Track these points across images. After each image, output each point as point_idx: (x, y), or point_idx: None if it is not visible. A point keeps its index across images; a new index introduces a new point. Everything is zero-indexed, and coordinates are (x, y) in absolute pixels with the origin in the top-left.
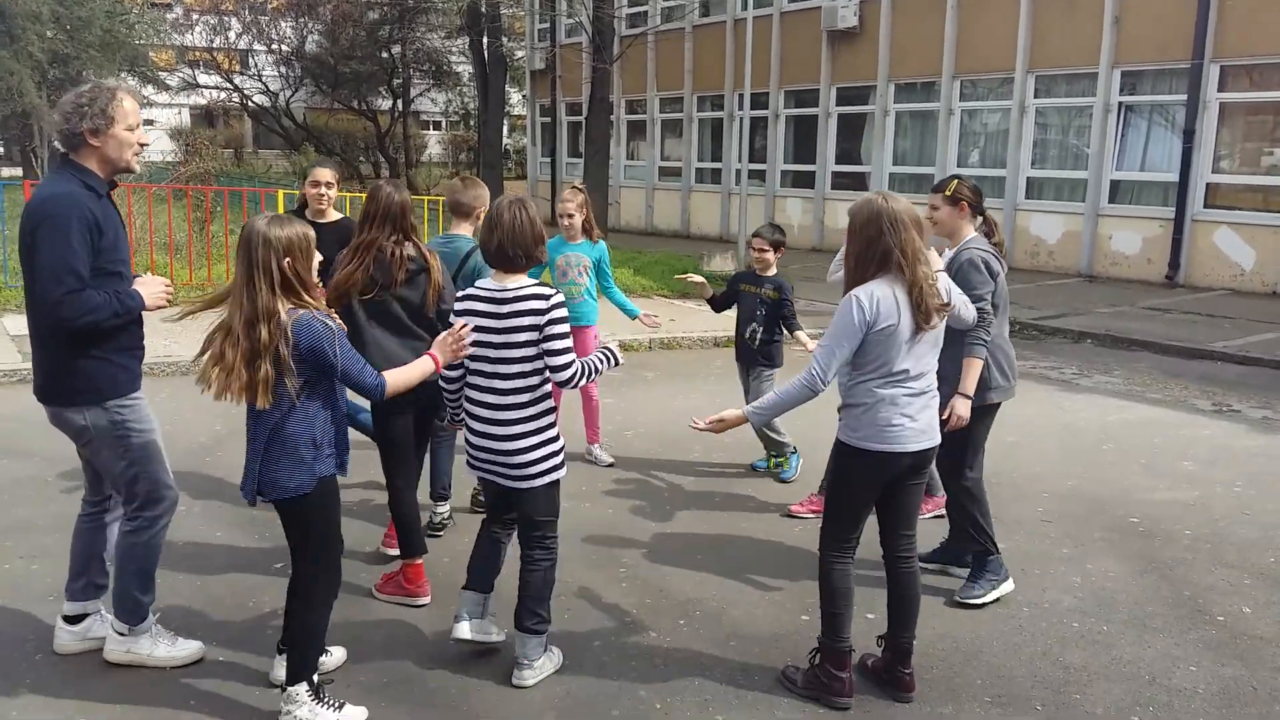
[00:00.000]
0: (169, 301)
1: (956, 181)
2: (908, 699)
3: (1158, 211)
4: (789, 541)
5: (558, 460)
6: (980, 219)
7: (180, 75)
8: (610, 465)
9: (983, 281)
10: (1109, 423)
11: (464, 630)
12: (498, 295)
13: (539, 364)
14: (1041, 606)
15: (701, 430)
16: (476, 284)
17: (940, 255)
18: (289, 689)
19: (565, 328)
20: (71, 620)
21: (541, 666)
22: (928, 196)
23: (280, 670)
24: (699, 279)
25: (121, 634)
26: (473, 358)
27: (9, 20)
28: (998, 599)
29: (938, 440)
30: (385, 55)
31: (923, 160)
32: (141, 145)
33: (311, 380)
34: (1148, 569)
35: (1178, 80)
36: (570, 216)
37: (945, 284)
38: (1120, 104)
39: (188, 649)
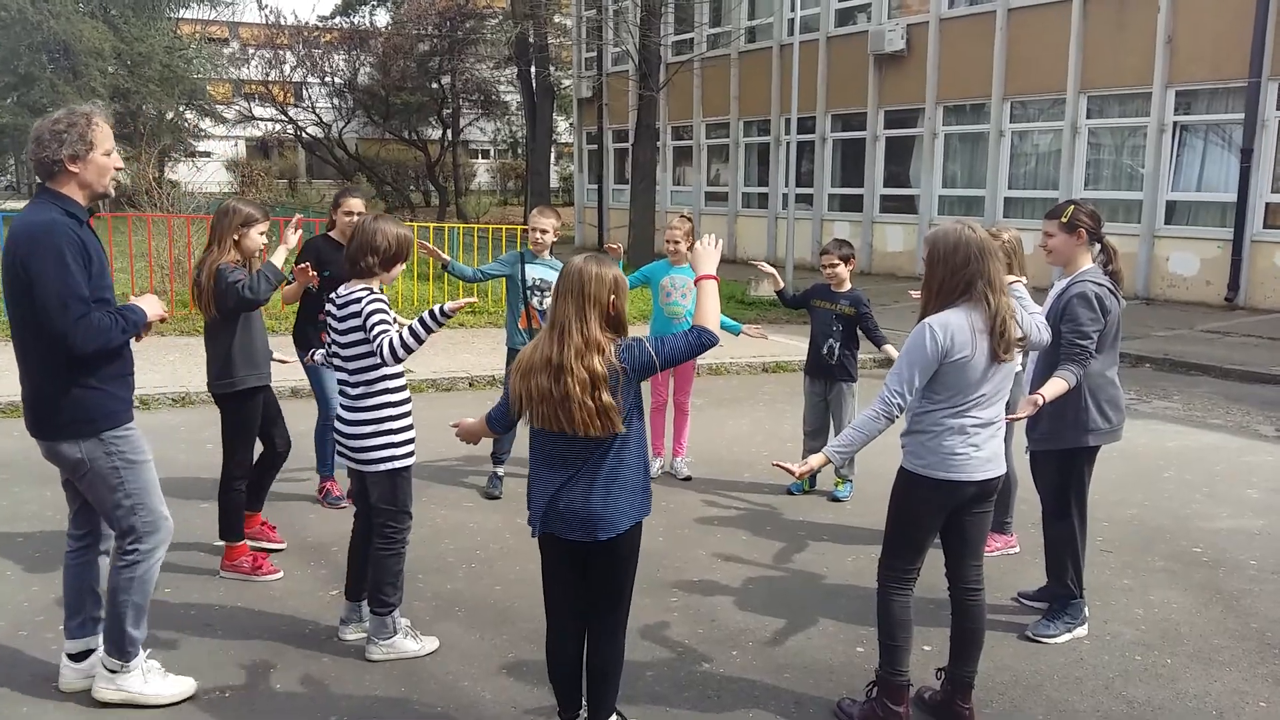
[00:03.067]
0: (165, 317)
1: (1073, 207)
2: None
3: (1216, 232)
4: (842, 570)
5: (397, 451)
6: (1098, 246)
7: (237, 108)
8: (687, 479)
9: (1092, 319)
10: (1168, 449)
11: (346, 633)
12: (338, 300)
13: (371, 360)
14: (1103, 639)
15: (789, 472)
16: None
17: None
18: None
19: (377, 316)
20: (75, 658)
21: (395, 645)
22: (1041, 223)
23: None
24: (771, 269)
25: (112, 670)
26: (334, 353)
27: (73, 57)
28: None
29: (1003, 470)
30: (435, 86)
31: (973, 183)
32: (116, 169)
33: (634, 407)
34: (1212, 600)
35: (1234, 99)
36: (677, 243)
37: (1020, 313)
38: (1175, 123)
39: (180, 685)
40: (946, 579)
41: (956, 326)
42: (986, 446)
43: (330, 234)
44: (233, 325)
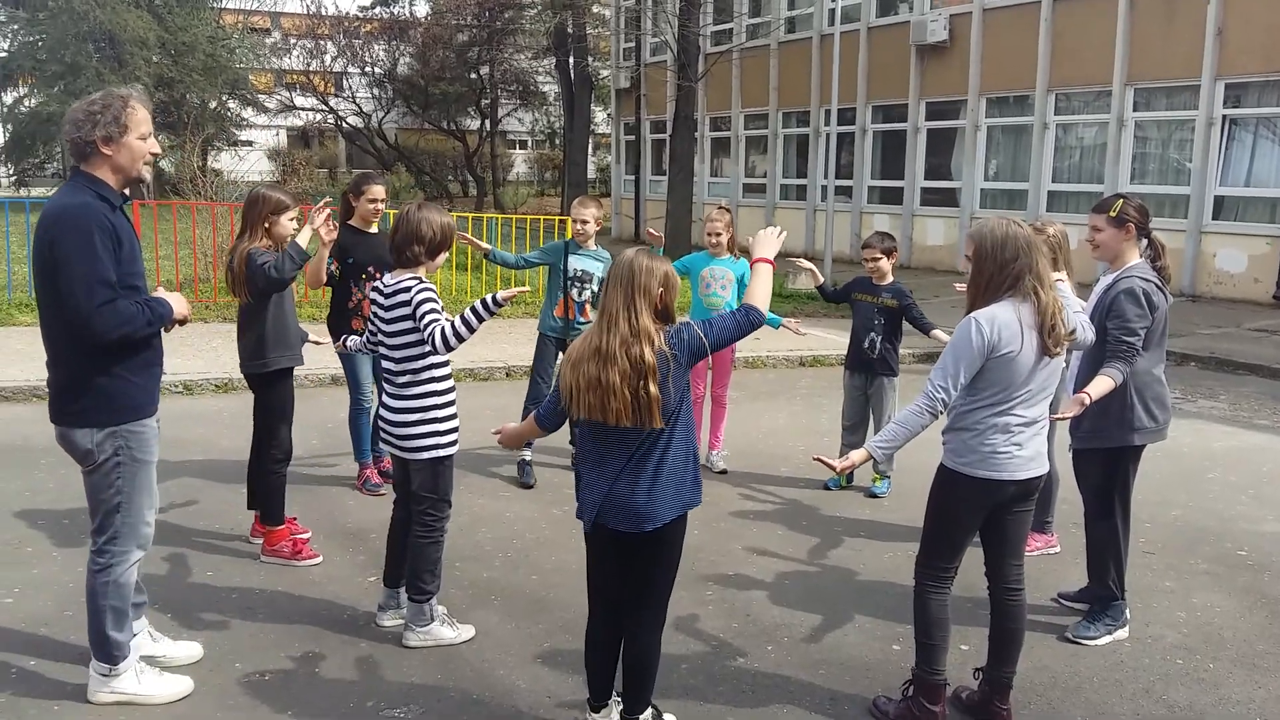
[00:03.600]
0: (188, 319)
1: (1122, 201)
2: None
3: (1264, 229)
4: (879, 567)
5: (441, 440)
6: (1145, 242)
7: (278, 98)
8: (723, 472)
9: (1139, 315)
10: (1214, 450)
11: (383, 619)
12: (384, 289)
13: (418, 349)
14: (1144, 641)
15: (829, 466)
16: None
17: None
18: (639, 718)
19: (428, 305)
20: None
21: (432, 633)
22: (1087, 217)
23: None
24: (809, 265)
25: (103, 674)
26: (378, 341)
27: (118, 46)
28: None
29: (1046, 469)
30: (474, 76)
31: (1015, 176)
32: (153, 155)
33: (683, 395)
34: (1257, 604)
35: None
36: (718, 234)
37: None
38: (1224, 117)
39: (178, 685)
40: (986, 578)
41: (1004, 321)
42: (1029, 445)
43: (350, 221)
44: (265, 308)
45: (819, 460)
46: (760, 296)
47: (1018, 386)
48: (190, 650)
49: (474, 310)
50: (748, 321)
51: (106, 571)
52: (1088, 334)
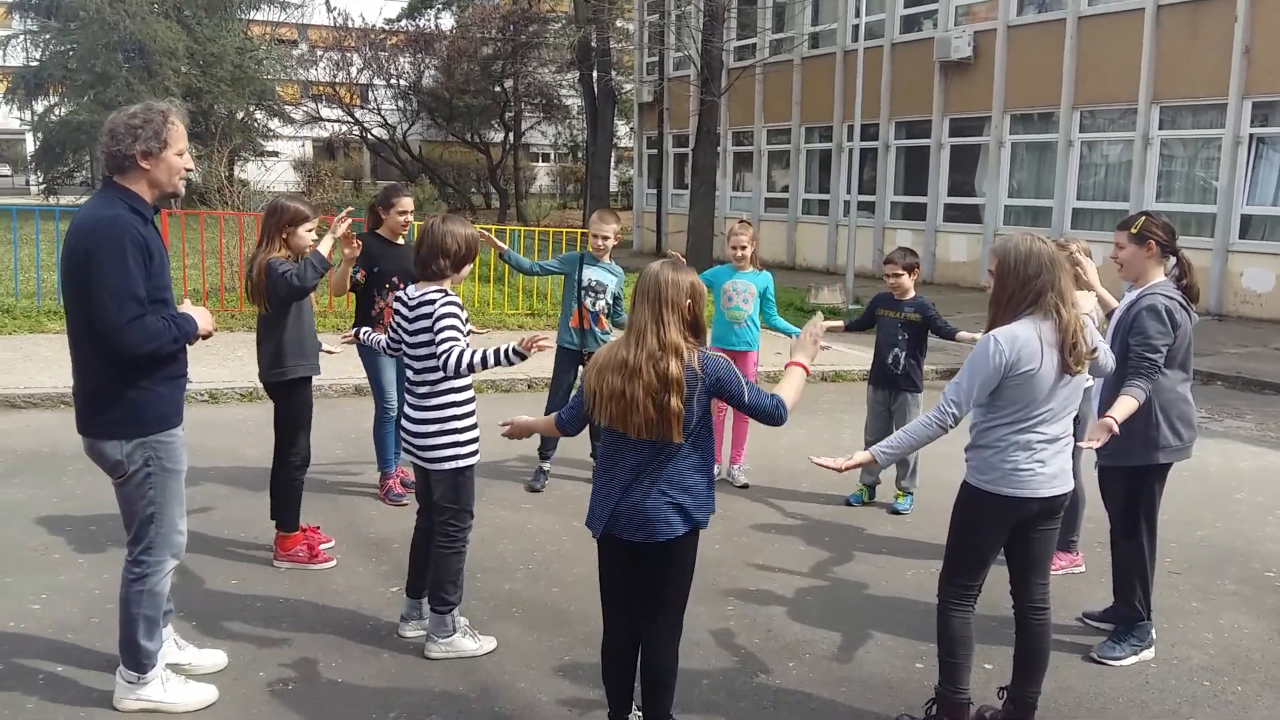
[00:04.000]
0: (211, 333)
1: (1145, 218)
2: None
3: None
4: (902, 584)
5: (462, 450)
6: (1172, 260)
7: (304, 109)
8: (744, 487)
9: (1161, 332)
10: (1240, 470)
11: (405, 630)
12: (409, 301)
13: (437, 362)
14: (1170, 663)
15: (827, 467)
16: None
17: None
18: None
19: (448, 321)
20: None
21: (454, 644)
22: (1113, 234)
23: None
24: (830, 322)
25: (130, 682)
26: (397, 349)
27: (147, 56)
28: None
29: (1070, 486)
30: (498, 89)
31: (1040, 193)
32: (187, 170)
33: (705, 413)
34: None
35: None
36: (743, 248)
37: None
38: (1251, 136)
39: (202, 694)
40: (1012, 596)
41: (1024, 339)
42: (1053, 462)
43: (379, 231)
44: (284, 318)
45: (817, 462)
46: (792, 395)
47: (1039, 404)
48: (215, 659)
49: (496, 353)
50: (776, 411)
51: (142, 581)
52: (1108, 361)
